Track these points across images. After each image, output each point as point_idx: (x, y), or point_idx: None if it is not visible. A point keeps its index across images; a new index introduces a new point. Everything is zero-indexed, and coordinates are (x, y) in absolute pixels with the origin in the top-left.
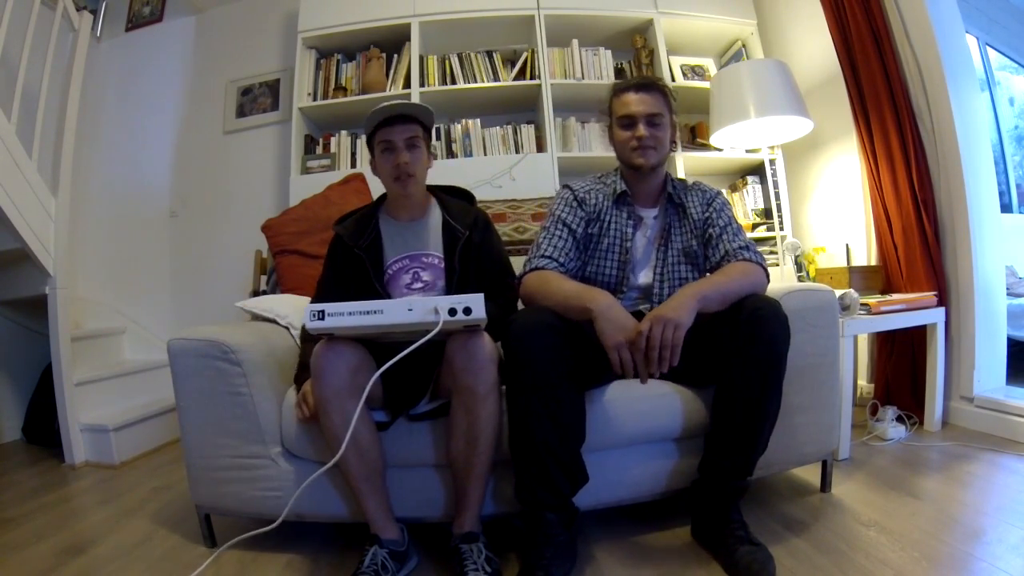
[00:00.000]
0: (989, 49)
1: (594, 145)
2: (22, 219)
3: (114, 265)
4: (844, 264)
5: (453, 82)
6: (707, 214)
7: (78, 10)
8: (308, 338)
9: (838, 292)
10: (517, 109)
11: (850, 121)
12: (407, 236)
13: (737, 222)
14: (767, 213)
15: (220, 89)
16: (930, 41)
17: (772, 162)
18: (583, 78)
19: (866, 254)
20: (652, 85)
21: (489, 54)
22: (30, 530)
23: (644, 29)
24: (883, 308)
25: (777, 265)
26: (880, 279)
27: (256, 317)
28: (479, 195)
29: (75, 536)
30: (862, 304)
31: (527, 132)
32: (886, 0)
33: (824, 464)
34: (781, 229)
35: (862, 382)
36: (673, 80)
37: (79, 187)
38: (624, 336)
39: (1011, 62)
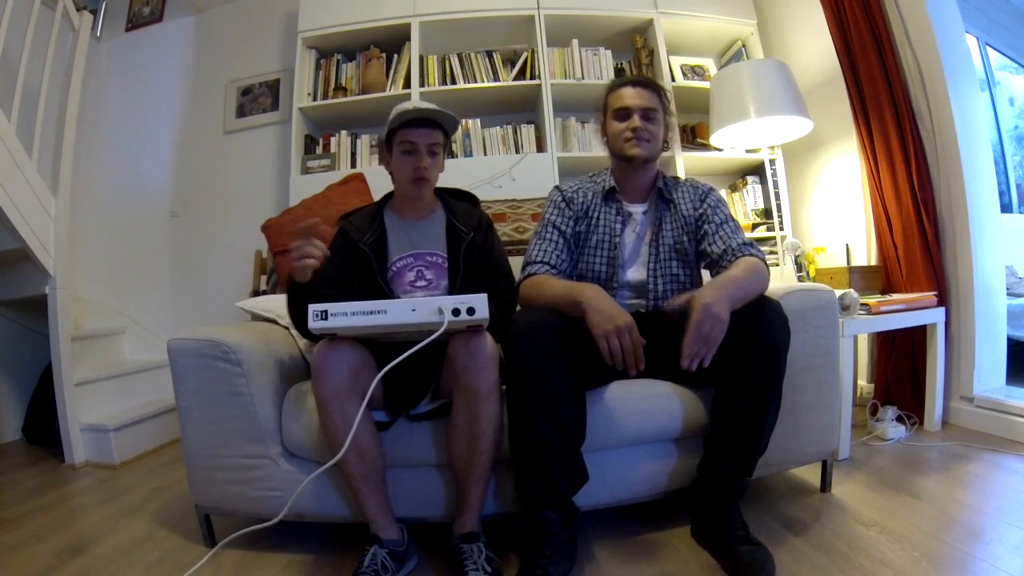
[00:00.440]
0: (989, 49)
1: (594, 145)
2: (22, 219)
3: (114, 265)
4: (844, 264)
5: (453, 82)
6: (701, 210)
7: (78, 10)
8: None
9: (838, 292)
10: (517, 109)
11: (850, 121)
12: (412, 234)
13: (734, 219)
14: (767, 213)
15: (220, 89)
16: (930, 41)
17: (772, 162)
18: (583, 78)
19: (866, 254)
20: (649, 83)
21: (489, 54)
22: (30, 530)
23: (644, 29)
24: (883, 308)
25: (777, 265)
26: (880, 279)
27: (256, 317)
28: (479, 195)
29: (75, 536)
30: (862, 304)
31: (527, 132)
32: (886, 0)
33: (824, 464)
34: (781, 229)
35: (862, 382)
36: (673, 80)
37: (79, 187)
38: (612, 325)
39: (1011, 62)
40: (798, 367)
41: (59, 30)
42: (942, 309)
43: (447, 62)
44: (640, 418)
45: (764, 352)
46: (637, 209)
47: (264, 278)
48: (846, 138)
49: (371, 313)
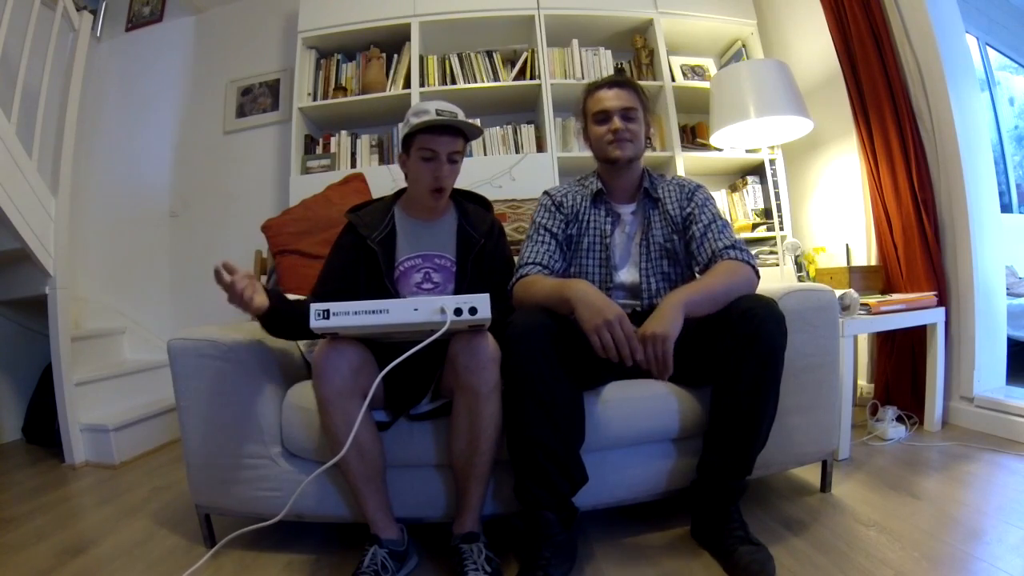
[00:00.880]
0: (989, 49)
1: None
2: (22, 219)
3: (114, 265)
4: (844, 264)
5: (453, 82)
6: (688, 210)
7: (78, 10)
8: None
9: (838, 292)
10: (517, 109)
11: (850, 121)
12: (422, 235)
13: (723, 218)
14: (767, 213)
15: (220, 89)
16: (930, 41)
17: (772, 162)
18: (583, 78)
19: (866, 254)
20: (625, 82)
21: (489, 54)
22: (30, 530)
23: (644, 29)
24: (883, 308)
25: (777, 265)
26: (880, 279)
27: None
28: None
29: (75, 536)
30: (862, 304)
31: (527, 132)
32: (886, 0)
33: (824, 464)
34: (781, 229)
35: (862, 382)
36: (673, 80)
37: (79, 187)
38: (602, 318)
39: (1011, 62)
40: (798, 367)
41: (59, 30)
42: (942, 309)
43: (447, 62)
44: (639, 418)
45: (761, 350)
46: (626, 210)
47: (264, 278)
48: (846, 138)
49: (373, 312)
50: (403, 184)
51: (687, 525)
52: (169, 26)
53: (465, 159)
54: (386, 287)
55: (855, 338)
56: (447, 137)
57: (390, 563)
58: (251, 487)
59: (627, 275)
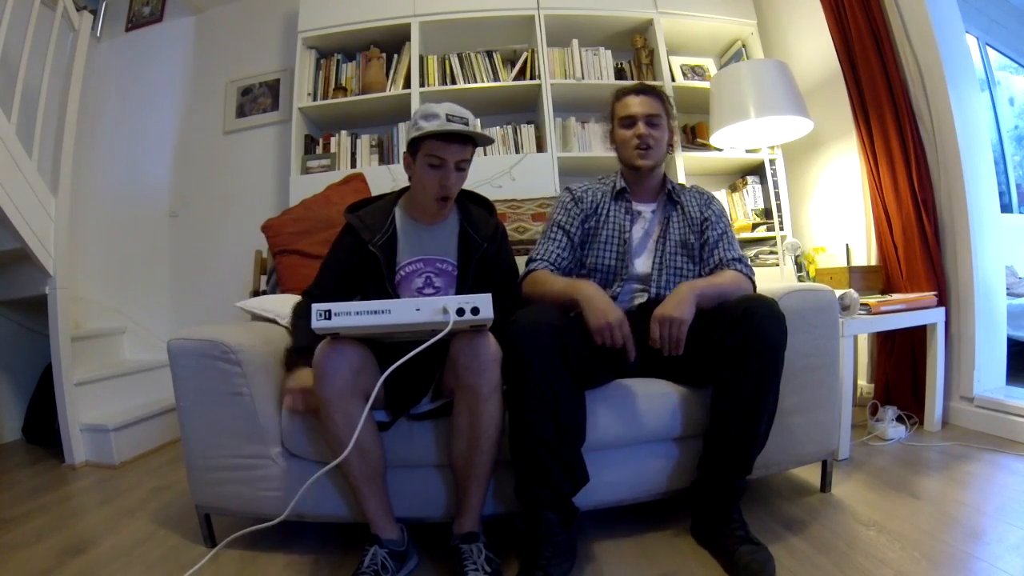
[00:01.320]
0: (989, 49)
1: (594, 145)
2: (22, 219)
3: (114, 265)
4: (844, 264)
5: (453, 82)
6: (706, 214)
7: (78, 10)
8: (302, 314)
9: (838, 292)
10: (517, 109)
11: (850, 121)
12: (424, 238)
13: (733, 231)
14: (767, 213)
15: (220, 89)
16: (930, 41)
17: (772, 162)
18: (583, 78)
19: (866, 254)
20: (652, 90)
21: (489, 54)
22: (30, 530)
23: (644, 29)
24: (883, 308)
25: (777, 265)
26: (880, 279)
27: (256, 317)
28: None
29: (75, 536)
30: (862, 304)
31: (527, 132)
32: (886, 0)
33: (824, 464)
34: (781, 229)
35: (862, 382)
36: (673, 80)
37: (79, 187)
38: (605, 320)
39: (1011, 62)
40: (798, 367)
41: (59, 30)
42: (942, 309)
43: (447, 62)
44: (640, 418)
45: (761, 349)
46: (646, 208)
47: (264, 278)
48: (846, 138)
49: (375, 313)
50: (404, 183)
51: (687, 525)
52: (169, 26)
53: None
54: (387, 292)
55: (855, 338)
56: (457, 146)
57: (390, 563)
58: (251, 487)
59: (642, 267)
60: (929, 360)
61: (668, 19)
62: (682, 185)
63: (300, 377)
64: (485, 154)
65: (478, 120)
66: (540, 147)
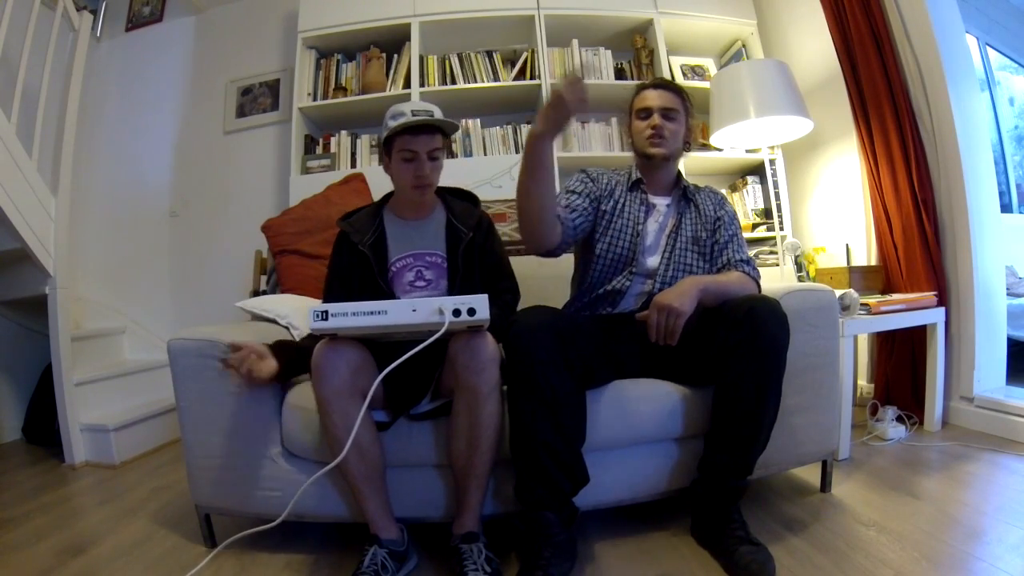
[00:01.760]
0: (989, 49)
1: (594, 145)
2: (22, 219)
3: (114, 265)
4: (844, 264)
5: (453, 82)
6: (719, 214)
7: (78, 10)
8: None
9: (838, 292)
10: (517, 109)
11: (850, 121)
12: (412, 234)
13: (742, 235)
14: (767, 213)
15: (220, 89)
16: (930, 41)
17: (772, 162)
18: (583, 78)
19: (866, 254)
20: (671, 85)
21: (489, 54)
22: (30, 530)
23: (644, 29)
24: (883, 308)
25: (777, 265)
26: (880, 279)
27: (256, 317)
28: (479, 195)
29: (75, 536)
30: (862, 304)
31: (527, 132)
32: (886, 0)
33: (824, 464)
34: (781, 229)
35: (862, 382)
36: (673, 80)
37: (79, 187)
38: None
39: (1011, 62)
40: (798, 367)
41: (59, 30)
42: (942, 309)
43: (447, 62)
44: (640, 418)
45: (763, 350)
46: (661, 201)
47: (264, 278)
48: (846, 138)
49: (372, 313)
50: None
51: (687, 525)
52: (169, 26)
53: (465, 159)
54: (380, 288)
55: (855, 338)
56: (425, 136)
57: (390, 563)
58: (251, 487)
59: (652, 261)
60: (929, 360)
61: (668, 19)
62: (696, 185)
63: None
64: (485, 154)
65: (478, 120)
66: None
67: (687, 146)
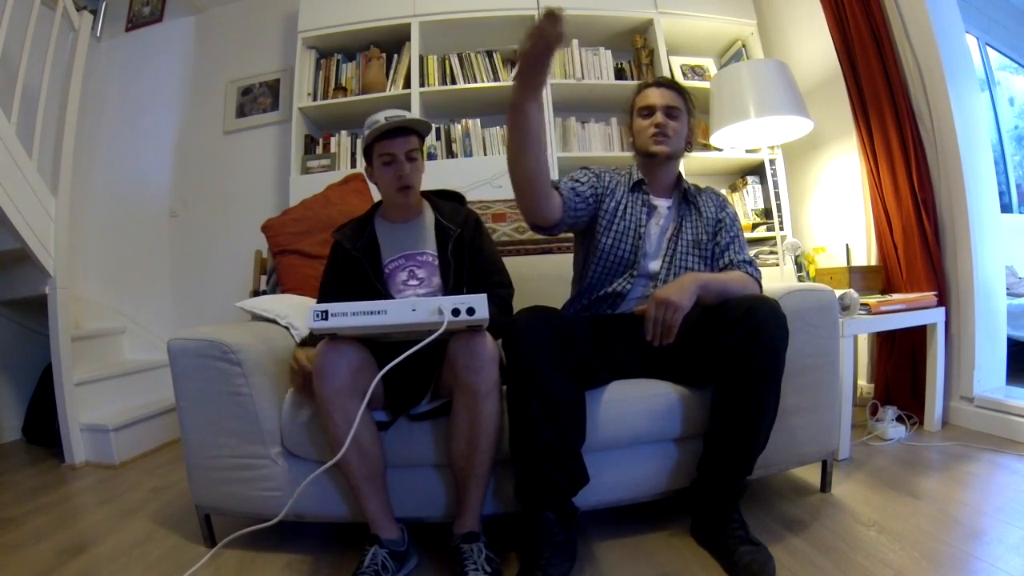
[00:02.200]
0: (989, 49)
1: (594, 145)
2: (22, 219)
3: (114, 265)
4: (844, 264)
5: (453, 82)
6: (720, 216)
7: (78, 10)
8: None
9: (838, 292)
10: None
11: (850, 121)
12: (402, 236)
13: (744, 236)
14: (767, 213)
15: (220, 89)
16: (930, 41)
17: (772, 162)
18: (583, 78)
19: (866, 254)
20: (672, 84)
21: (489, 54)
22: (30, 530)
23: (644, 29)
24: (883, 308)
25: (777, 265)
26: (880, 279)
27: (256, 317)
28: (479, 195)
29: (75, 536)
30: (862, 304)
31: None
32: (886, 0)
33: (824, 464)
34: (781, 229)
35: (862, 382)
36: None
37: (79, 187)
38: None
39: (1011, 62)
40: (798, 367)
41: (59, 30)
42: (942, 309)
43: (447, 62)
44: (640, 418)
45: (762, 350)
46: (662, 203)
47: (264, 278)
48: (846, 138)
49: (371, 313)
50: None
51: (687, 525)
52: (169, 26)
53: (465, 159)
54: (377, 289)
55: (855, 338)
56: (400, 138)
57: (390, 563)
58: (251, 487)
59: (653, 265)
60: (929, 360)
61: (668, 19)
62: (696, 186)
63: (303, 355)
64: (485, 154)
65: (477, 120)
66: None
67: (689, 146)
